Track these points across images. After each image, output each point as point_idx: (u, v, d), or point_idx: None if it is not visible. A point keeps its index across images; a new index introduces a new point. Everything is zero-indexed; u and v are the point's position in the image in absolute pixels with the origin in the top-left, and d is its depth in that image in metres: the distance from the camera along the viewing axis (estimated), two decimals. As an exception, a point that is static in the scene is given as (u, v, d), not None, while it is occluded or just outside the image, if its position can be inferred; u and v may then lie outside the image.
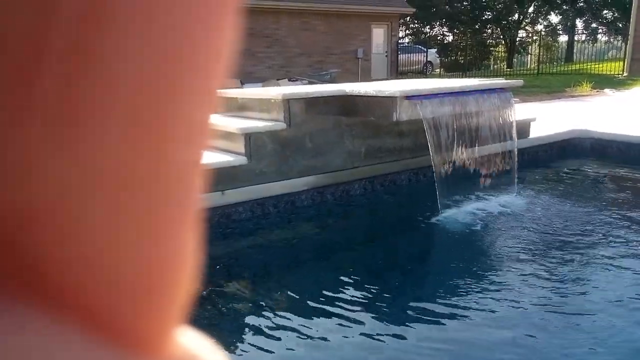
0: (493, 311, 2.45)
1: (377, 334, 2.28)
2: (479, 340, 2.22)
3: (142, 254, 0.11)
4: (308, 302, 2.62)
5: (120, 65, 0.10)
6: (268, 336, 2.31)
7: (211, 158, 3.70)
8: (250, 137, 3.78)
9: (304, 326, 2.35)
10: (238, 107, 4.47)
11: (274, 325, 2.38)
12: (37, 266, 0.10)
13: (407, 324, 2.37)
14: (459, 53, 27.01)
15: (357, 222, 3.98)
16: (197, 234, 0.12)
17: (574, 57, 22.97)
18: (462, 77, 15.20)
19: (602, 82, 13.37)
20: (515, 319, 2.39)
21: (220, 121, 4.17)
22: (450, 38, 31.33)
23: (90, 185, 0.10)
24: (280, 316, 2.46)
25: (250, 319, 2.49)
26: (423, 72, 20.73)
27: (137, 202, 0.10)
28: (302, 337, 2.27)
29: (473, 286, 2.75)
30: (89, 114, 0.10)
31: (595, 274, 2.83)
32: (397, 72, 19.18)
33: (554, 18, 33.28)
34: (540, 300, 2.53)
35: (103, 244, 0.10)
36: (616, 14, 29.13)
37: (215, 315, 2.56)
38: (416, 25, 31.59)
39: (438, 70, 22.68)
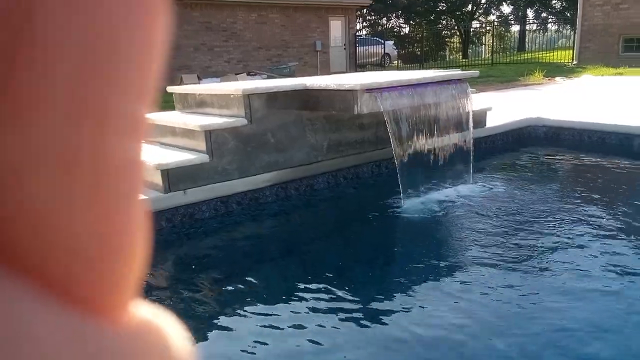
0: (456, 298, 2.51)
1: (343, 327, 2.30)
2: (443, 328, 2.27)
3: (94, 227, 0.11)
4: (275, 298, 2.62)
5: (57, 57, 0.10)
6: (234, 334, 2.30)
7: (172, 156, 3.63)
8: (211, 134, 3.73)
9: (271, 323, 2.34)
10: (197, 104, 4.40)
11: (240, 324, 2.37)
12: None
13: (373, 315, 2.40)
14: (415, 44, 27.36)
15: (322, 216, 3.99)
16: (144, 213, 0.12)
17: (526, 46, 23.64)
18: (419, 69, 15.41)
19: (553, 70, 13.83)
20: (476, 304, 2.45)
21: (179, 118, 4.09)
22: (406, 30, 31.74)
23: (34, 165, 0.10)
24: (247, 314, 2.45)
25: (216, 318, 2.47)
26: (381, 64, 20.92)
27: (82, 183, 0.11)
28: (269, 333, 2.27)
29: (436, 273, 2.81)
30: (28, 105, 0.10)
31: (552, 257, 2.93)
32: (355, 64, 19.27)
33: (506, 8, 34.19)
34: (499, 284, 2.61)
35: (54, 219, 0.11)
36: (564, 4, 30.13)
37: (179, 315, 2.52)
38: (373, 17, 31.82)
39: (396, 62, 22.91)
